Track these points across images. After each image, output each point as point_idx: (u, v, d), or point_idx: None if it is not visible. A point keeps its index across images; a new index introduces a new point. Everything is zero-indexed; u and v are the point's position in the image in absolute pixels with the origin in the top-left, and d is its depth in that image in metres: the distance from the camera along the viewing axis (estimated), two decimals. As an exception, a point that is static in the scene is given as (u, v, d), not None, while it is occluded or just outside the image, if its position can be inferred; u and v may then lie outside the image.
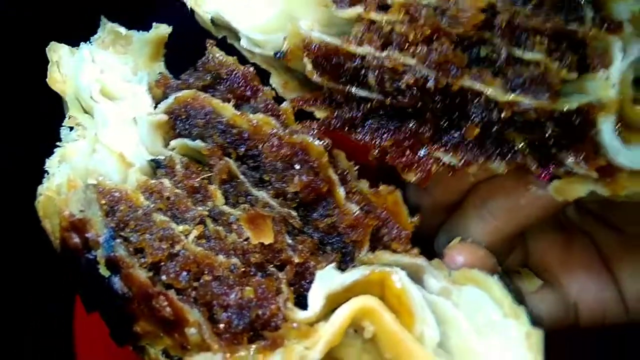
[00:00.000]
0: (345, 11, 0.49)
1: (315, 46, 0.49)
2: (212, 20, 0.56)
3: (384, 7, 0.48)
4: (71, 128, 0.60)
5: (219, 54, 0.58)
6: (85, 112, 0.60)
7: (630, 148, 0.44)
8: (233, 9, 0.54)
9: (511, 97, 0.44)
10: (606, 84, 0.43)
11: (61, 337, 0.79)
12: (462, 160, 0.48)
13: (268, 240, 0.46)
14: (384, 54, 0.47)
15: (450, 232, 0.57)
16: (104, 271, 0.47)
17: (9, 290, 0.75)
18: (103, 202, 0.51)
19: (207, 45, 0.58)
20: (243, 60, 0.59)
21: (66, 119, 0.60)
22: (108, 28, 0.61)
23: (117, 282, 0.46)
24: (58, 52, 0.62)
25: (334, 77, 0.50)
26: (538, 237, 0.60)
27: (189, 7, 0.56)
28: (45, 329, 0.79)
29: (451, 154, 0.48)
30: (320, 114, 0.54)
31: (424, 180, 0.49)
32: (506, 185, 0.53)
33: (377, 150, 0.51)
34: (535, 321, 0.41)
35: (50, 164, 0.56)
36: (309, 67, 0.50)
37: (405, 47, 0.46)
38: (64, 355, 0.79)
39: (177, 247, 0.48)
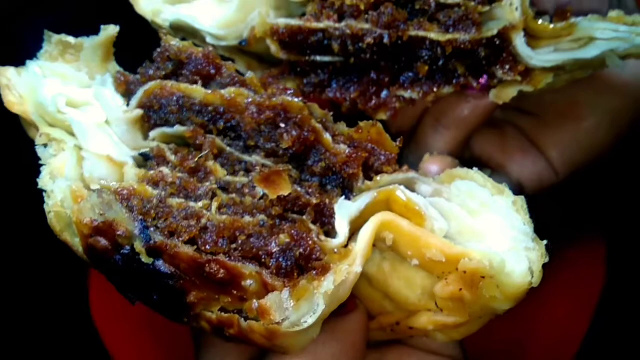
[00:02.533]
0: None
1: (282, 30, 0.55)
2: (171, 25, 0.60)
3: None
4: (45, 145, 0.61)
5: (175, 42, 0.61)
6: (53, 125, 0.61)
7: (537, 52, 0.57)
8: (192, 14, 0.59)
9: (449, 36, 0.55)
10: (511, 9, 0.56)
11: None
12: (420, 93, 0.59)
13: (286, 191, 0.52)
14: (343, 24, 0.55)
15: (416, 151, 0.68)
16: (146, 259, 0.51)
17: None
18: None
19: (161, 35, 0.61)
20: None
21: (37, 137, 0.61)
22: (55, 40, 0.61)
23: (162, 265, 0.51)
24: (5, 75, 0.62)
25: (300, 52, 0.58)
26: (480, 137, 0.73)
27: (148, 19, 0.59)
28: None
29: (410, 90, 0.60)
30: (290, 84, 0.61)
31: (394, 116, 0.61)
32: (451, 103, 0.64)
33: (347, 102, 0.61)
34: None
35: (44, 182, 0.57)
36: (274, 48, 0.58)
37: (358, 15, 0.55)
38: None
39: (204, 221, 0.53)
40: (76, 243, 0.55)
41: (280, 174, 0.53)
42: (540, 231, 0.50)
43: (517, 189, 0.73)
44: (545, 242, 0.50)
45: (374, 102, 0.62)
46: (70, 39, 0.61)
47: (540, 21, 0.58)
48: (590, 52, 0.56)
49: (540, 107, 0.72)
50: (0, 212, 0.79)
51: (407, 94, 0.61)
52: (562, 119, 0.71)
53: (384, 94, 0.61)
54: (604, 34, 0.56)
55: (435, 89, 0.60)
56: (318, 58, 0.61)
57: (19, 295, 0.83)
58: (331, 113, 0.60)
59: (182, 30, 0.65)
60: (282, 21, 0.58)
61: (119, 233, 0.51)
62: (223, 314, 0.51)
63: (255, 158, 0.58)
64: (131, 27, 0.65)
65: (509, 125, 0.74)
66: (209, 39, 0.63)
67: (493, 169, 0.73)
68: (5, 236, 0.80)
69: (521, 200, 0.51)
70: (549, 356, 0.87)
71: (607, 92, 0.69)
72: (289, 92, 0.57)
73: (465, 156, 0.73)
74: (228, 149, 0.59)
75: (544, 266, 0.49)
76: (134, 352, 0.86)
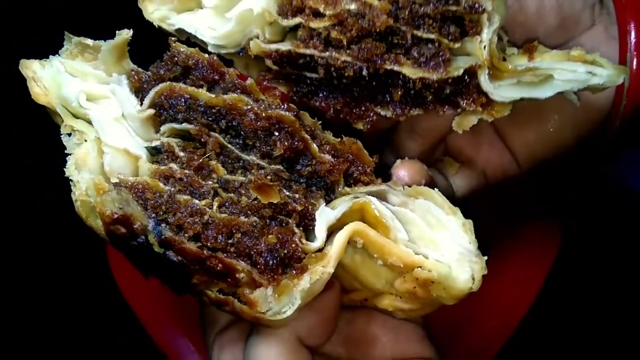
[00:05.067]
0: (288, 21, 0.63)
1: (273, 54, 0.62)
2: (176, 30, 0.67)
3: (319, 14, 0.62)
4: (69, 134, 0.70)
5: (183, 49, 0.68)
6: (76, 116, 0.70)
7: (499, 87, 0.63)
8: (194, 25, 0.65)
9: (420, 74, 0.61)
10: (480, 46, 0.62)
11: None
12: (394, 113, 0.67)
13: (275, 200, 0.62)
14: (327, 54, 0.62)
15: (393, 150, 0.77)
16: (157, 249, 0.62)
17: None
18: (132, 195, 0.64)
19: (170, 42, 0.68)
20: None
21: (62, 127, 0.70)
22: (75, 41, 0.68)
23: (171, 255, 0.62)
24: (31, 68, 0.69)
25: (291, 67, 0.65)
26: (454, 132, 0.80)
27: (155, 24, 0.66)
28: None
29: (385, 109, 0.68)
30: (282, 88, 0.69)
31: (370, 128, 0.70)
32: (425, 114, 0.72)
33: (332, 110, 0.69)
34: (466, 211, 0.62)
35: (70, 172, 0.66)
36: (268, 61, 0.65)
37: (342, 47, 0.61)
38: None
39: (206, 217, 0.63)
40: (99, 226, 0.66)
41: (270, 186, 0.62)
42: (482, 247, 0.61)
43: (483, 180, 0.83)
44: (485, 257, 0.60)
45: (354, 113, 0.70)
46: (89, 41, 0.68)
47: (504, 60, 0.64)
48: (545, 93, 0.63)
49: (515, 106, 0.80)
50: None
51: (383, 112, 0.69)
52: (530, 119, 0.79)
53: (362, 108, 0.68)
54: (561, 75, 0.63)
55: (406, 111, 0.68)
56: (307, 74, 0.68)
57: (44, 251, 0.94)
58: (320, 122, 0.69)
59: (187, 33, 0.71)
60: (274, 46, 0.65)
61: (135, 226, 0.62)
62: (221, 295, 0.63)
63: (252, 158, 0.67)
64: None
65: (483, 120, 0.82)
66: (210, 47, 0.70)
67: (462, 162, 0.82)
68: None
69: (469, 223, 0.61)
70: (499, 316, 1.01)
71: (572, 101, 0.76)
72: (282, 106, 0.65)
73: (439, 152, 0.82)
74: (229, 146, 0.68)
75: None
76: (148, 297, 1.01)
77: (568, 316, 0.92)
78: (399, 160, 0.72)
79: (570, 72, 0.62)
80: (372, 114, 0.68)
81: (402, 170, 0.71)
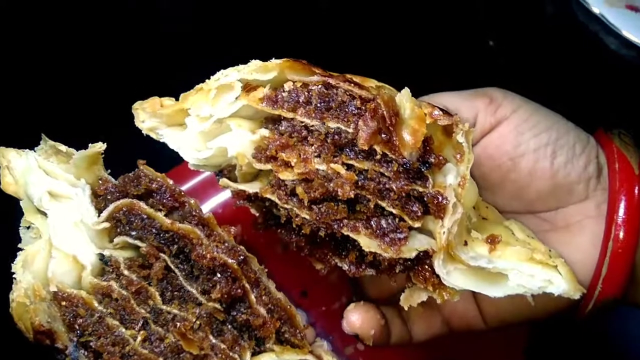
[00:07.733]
0: (261, 165, 0.63)
1: (240, 192, 0.64)
2: None
3: (289, 165, 0.62)
4: (28, 227, 0.71)
5: (149, 172, 0.69)
6: (38, 210, 0.71)
7: (454, 270, 0.61)
8: (179, 144, 0.66)
9: (373, 249, 0.60)
10: (440, 231, 0.60)
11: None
12: (348, 270, 0.66)
13: (195, 352, 0.62)
14: (289, 206, 0.61)
15: (355, 283, 0.77)
16: (72, 373, 0.62)
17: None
18: (64, 303, 0.65)
19: (138, 164, 0.69)
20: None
21: (22, 219, 0.71)
22: (49, 144, 0.70)
23: (85, 381, 0.62)
24: (7, 157, 0.71)
25: (259, 201, 0.66)
26: None
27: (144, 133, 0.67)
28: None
29: (342, 262, 0.67)
30: (252, 210, 0.70)
31: (328, 270, 0.69)
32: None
33: (294, 246, 0.68)
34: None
35: (16, 268, 0.67)
36: None
37: (302, 205, 0.61)
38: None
39: (127, 348, 0.63)
40: (29, 330, 0.66)
41: (192, 340, 0.62)
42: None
43: (446, 329, 0.80)
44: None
45: (314, 255, 0.69)
46: (62, 147, 0.69)
47: (465, 243, 0.62)
48: (496, 292, 0.60)
49: None
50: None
51: (340, 264, 0.67)
52: None
53: (323, 253, 0.68)
54: (516, 278, 0.60)
55: (360, 271, 0.67)
56: (274, 210, 0.68)
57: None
58: (266, 270, 0.68)
59: None
60: (242, 187, 0.66)
61: (57, 345, 0.62)
62: None
63: (193, 291, 0.67)
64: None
65: None
66: (190, 166, 0.71)
67: (426, 307, 0.79)
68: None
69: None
70: None
71: None
72: (230, 252, 0.65)
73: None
74: (175, 271, 0.68)
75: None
76: None
77: None
78: (352, 304, 0.71)
79: (528, 276, 0.59)
80: (330, 260, 0.67)
81: (355, 315, 0.70)
